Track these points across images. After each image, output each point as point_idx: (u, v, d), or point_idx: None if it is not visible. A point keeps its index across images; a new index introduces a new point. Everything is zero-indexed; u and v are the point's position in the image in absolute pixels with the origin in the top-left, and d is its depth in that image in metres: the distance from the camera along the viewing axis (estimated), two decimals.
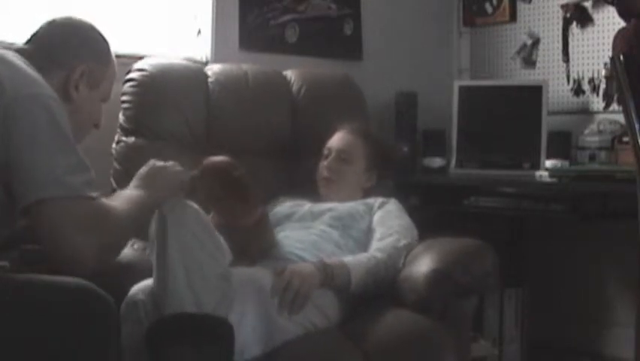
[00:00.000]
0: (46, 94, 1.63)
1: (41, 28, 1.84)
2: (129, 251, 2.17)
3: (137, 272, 2.04)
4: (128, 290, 1.97)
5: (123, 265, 2.07)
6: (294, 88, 2.93)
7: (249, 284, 2.04)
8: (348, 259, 2.29)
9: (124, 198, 1.82)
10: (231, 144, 2.70)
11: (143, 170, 1.95)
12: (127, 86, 2.66)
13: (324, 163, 2.69)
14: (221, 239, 2.03)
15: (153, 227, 1.95)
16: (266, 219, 2.33)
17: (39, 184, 1.57)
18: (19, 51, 1.76)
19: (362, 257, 2.33)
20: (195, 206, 1.97)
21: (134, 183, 1.91)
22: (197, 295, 1.85)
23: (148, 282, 1.97)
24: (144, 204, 1.83)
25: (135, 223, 1.78)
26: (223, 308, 1.91)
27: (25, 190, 1.57)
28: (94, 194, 1.65)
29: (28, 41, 1.82)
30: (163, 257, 1.88)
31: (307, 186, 2.70)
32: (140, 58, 2.77)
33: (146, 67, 2.68)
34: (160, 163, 1.96)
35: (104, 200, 1.71)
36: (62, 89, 1.76)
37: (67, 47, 1.80)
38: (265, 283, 2.07)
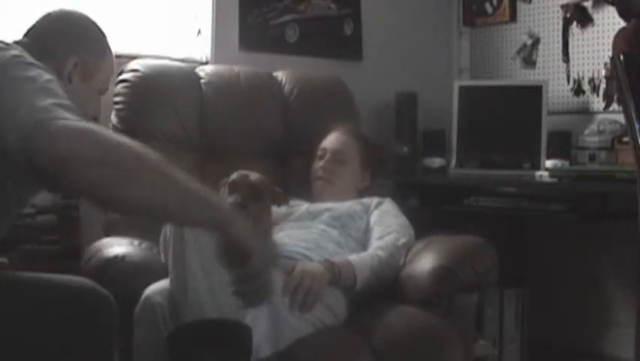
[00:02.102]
0: (37, 65, 1.55)
1: (38, 21, 1.83)
2: (138, 250, 2.16)
3: (147, 272, 2.04)
4: (138, 291, 1.96)
5: (134, 265, 2.07)
6: (286, 89, 2.94)
7: None
8: (353, 257, 2.31)
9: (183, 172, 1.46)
10: (224, 144, 2.72)
11: None
12: (120, 87, 2.66)
13: (319, 164, 2.70)
14: None
15: (167, 230, 1.95)
16: (271, 223, 2.36)
17: (24, 120, 1.36)
18: (16, 43, 1.76)
19: (366, 256, 2.34)
20: None
21: None
22: (217, 299, 1.85)
23: (164, 284, 1.95)
24: (204, 193, 1.46)
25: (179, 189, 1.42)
26: (242, 311, 1.90)
27: (9, 132, 1.37)
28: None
29: (26, 35, 1.81)
30: (181, 260, 1.87)
31: (300, 186, 2.71)
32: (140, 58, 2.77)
33: (138, 67, 2.68)
34: None
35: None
36: None
37: (61, 39, 1.79)
38: (275, 283, 2.07)
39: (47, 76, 1.52)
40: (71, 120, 1.35)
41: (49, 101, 1.39)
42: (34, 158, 1.32)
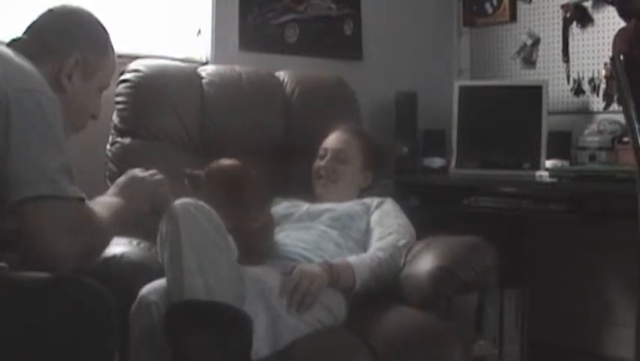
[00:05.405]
0: (39, 89, 1.60)
1: (39, 17, 1.82)
2: (136, 250, 2.16)
3: (146, 272, 2.04)
4: (136, 290, 1.96)
5: (132, 265, 2.07)
6: (288, 89, 2.94)
7: (258, 284, 2.04)
8: (352, 259, 2.31)
9: (104, 204, 1.80)
10: (226, 144, 2.71)
11: (121, 179, 1.96)
12: (121, 87, 2.65)
13: (320, 163, 2.69)
14: (231, 238, 2.04)
15: (163, 229, 1.95)
16: (271, 223, 2.35)
17: (31, 181, 1.54)
18: (14, 41, 1.75)
19: (365, 257, 2.34)
20: (207, 206, 1.97)
21: (112, 190, 1.91)
22: (213, 297, 1.84)
23: (160, 283, 1.95)
24: (122, 213, 1.83)
25: (113, 231, 1.77)
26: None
27: (16, 186, 1.53)
28: (82, 196, 1.64)
29: (27, 31, 1.80)
30: (177, 259, 1.86)
31: (301, 187, 2.71)
32: (140, 58, 2.77)
33: (140, 67, 2.68)
34: (140, 173, 1.98)
35: (89, 204, 1.70)
36: (55, 78, 1.74)
37: (62, 35, 1.78)
38: (273, 283, 2.08)
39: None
40: (72, 206, 1.57)
41: (56, 164, 1.56)
42: (22, 223, 1.54)
